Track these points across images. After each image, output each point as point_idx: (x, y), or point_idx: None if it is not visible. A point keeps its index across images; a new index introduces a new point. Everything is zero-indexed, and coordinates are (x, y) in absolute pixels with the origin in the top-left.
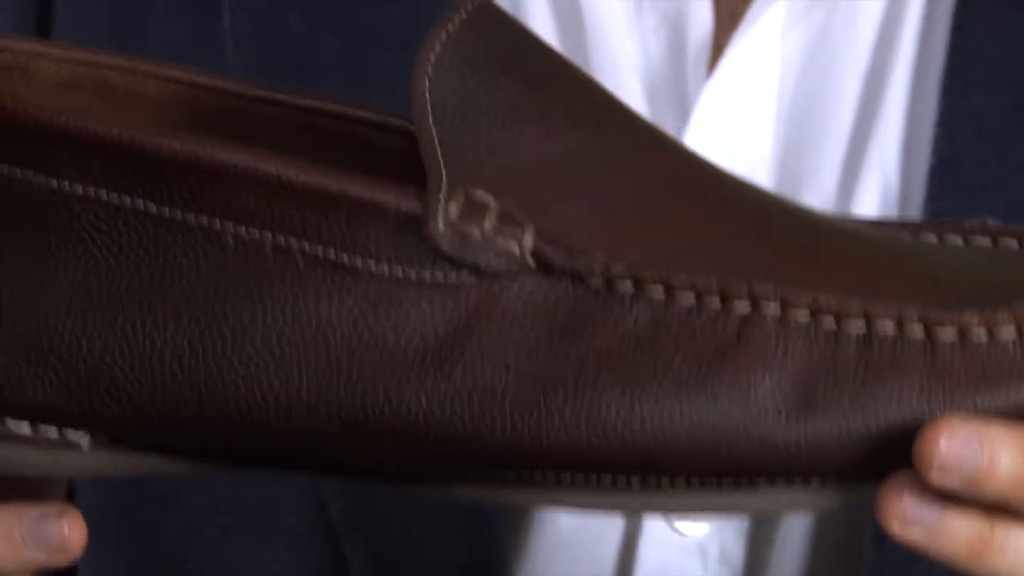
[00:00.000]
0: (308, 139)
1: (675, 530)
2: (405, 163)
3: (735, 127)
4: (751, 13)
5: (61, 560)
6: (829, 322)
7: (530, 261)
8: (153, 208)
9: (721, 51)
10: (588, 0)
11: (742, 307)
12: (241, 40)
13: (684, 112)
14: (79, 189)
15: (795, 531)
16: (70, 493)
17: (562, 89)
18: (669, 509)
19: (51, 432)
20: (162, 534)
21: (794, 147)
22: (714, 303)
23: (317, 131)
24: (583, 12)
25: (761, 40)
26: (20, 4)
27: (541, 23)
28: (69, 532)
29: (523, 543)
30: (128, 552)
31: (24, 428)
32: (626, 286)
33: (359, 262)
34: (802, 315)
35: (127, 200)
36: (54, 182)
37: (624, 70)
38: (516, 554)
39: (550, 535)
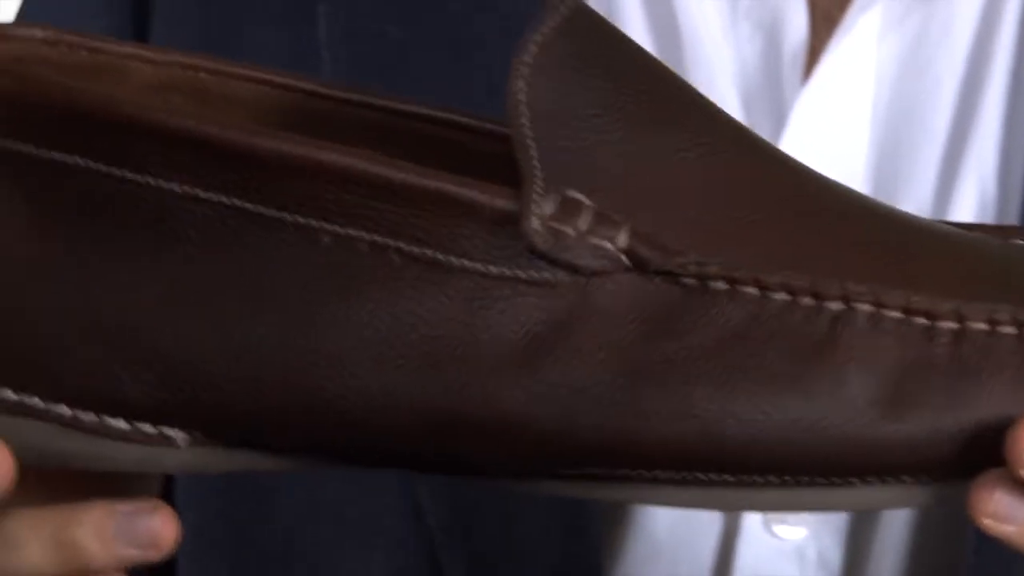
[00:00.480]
0: (401, 142)
1: (772, 534)
2: (498, 167)
3: (831, 134)
4: (847, 19)
5: (153, 557)
6: (921, 321)
7: (624, 260)
8: (248, 206)
9: (817, 57)
10: (683, 8)
11: (834, 306)
12: (337, 48)
13: (780, 119)
14: (173, 186)
15: (894, 536)
16: (170, 494)
17: (656, 91)
18: (762, 507)
19: (147, 428)
20: (263, 537)
21: (890, 154)
22: (807, 301)
23: (410, 135)
24: (678, 20)
25: (857, 46)
26: (115, 17)
27: (636, 31)
28: (162, 528)
29: (620, 548)
30: (229, 555)
31: (120, 424)
32: (719, 285)
33: (454, 260)
34: (894, 314)
35: (221, 197)
36: (148, 179)
37: (720, 77)
38: (613, 558)
39: (647, 539)
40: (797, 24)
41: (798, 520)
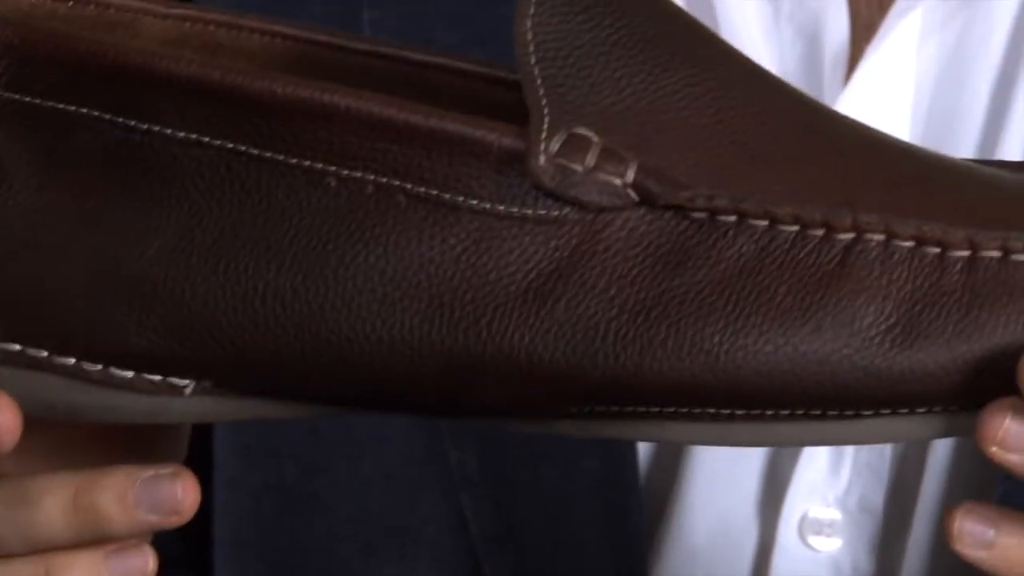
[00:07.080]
0: (415, 93)
1: (808, 545)
2: (511, 114)
3: None
4: (886, 24)
5: (174, 523)
6: (933, 250)
7: (632, 195)
8: (255, 151)
9: (857, 62)
10: (724, 12)
11: (845, 237)
12: None
13: None
14: (180, 134)
15: (924, 546)
16: (209, 499)
17: (665, 28)
18: (773, 441)
19: (153, 377)
20: (305, 546)
21: None
22: (817, 232)
23: (424, 85)
24: (719, 24)
25: (895, 52)
26: None
27: None
28: (183, 494)
29: (657, 557)
30: (269, 562)
31: (126, 374)
32: (729, 218)
33: (461, 200)
34: (906, 243)
35: (228, 144)
36: (155, 128)
37: None
38: (652, 568)
39: (684, 549)
40: (838, 29)
41: (833, 531)
